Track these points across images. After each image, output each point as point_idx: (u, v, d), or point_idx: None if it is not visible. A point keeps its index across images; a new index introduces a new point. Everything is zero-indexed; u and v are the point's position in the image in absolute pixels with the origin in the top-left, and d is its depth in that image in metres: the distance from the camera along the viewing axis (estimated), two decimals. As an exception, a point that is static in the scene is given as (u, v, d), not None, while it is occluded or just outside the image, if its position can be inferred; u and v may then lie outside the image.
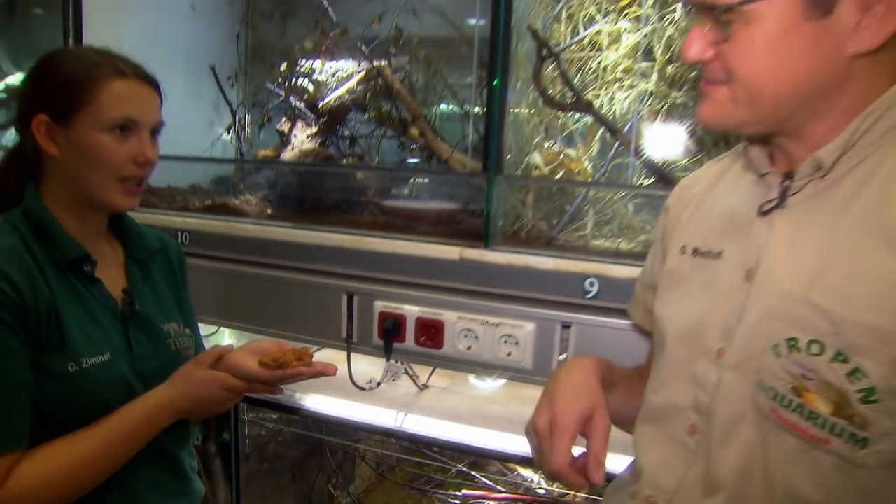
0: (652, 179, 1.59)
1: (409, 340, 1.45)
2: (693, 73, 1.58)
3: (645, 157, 1.54)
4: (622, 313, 1.28)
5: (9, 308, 0.92)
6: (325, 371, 1.08)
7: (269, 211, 1.79)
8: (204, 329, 1.84)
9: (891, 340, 0.62)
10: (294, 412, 1.81)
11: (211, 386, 1.05)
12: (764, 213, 0.77)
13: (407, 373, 1.73)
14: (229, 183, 2.16)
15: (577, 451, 0.88)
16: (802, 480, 0.68)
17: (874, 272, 0.65)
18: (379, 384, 1.61)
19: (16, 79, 2.42)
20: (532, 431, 0.90)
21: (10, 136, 2.36)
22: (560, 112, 1.63)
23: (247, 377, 1.06)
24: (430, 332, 1.42)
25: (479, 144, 1.92)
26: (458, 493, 2.05)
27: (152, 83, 1.08)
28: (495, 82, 1.44)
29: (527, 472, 1.90)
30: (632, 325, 1.20)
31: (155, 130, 1.08)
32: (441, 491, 2.08)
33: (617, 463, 0.99)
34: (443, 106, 2.06)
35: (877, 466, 0.64)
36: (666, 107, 1.63)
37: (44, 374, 0.96)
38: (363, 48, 1.92)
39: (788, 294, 0.70)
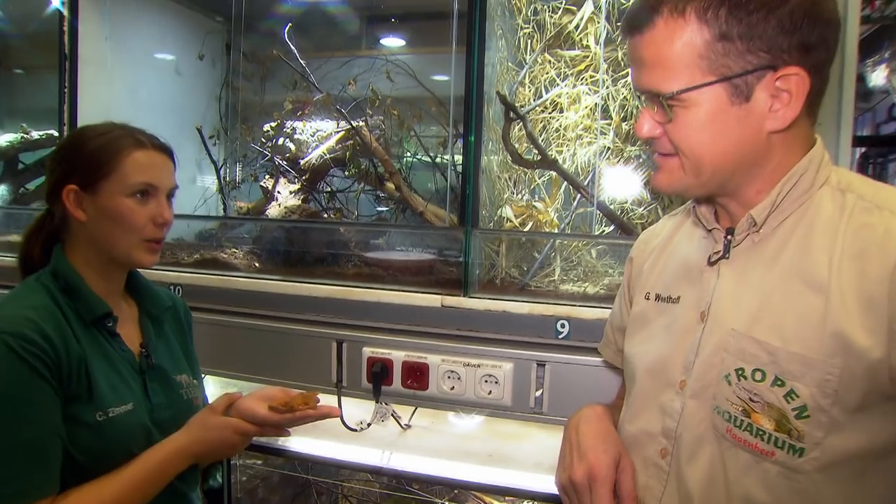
0: (612, 227, 1.75)
1: (397, 383, 1.56)
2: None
3: (605, 207, 1.70)
4: (592, 351, 1.42)
5: (44, 362, 1.01)
6: (331, 413, 1.19)
7: (256, 264, 1.90)
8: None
9: (814, 365, 0.77)
10: (283, 455, 1.89)
11: (225, 431, 1.15)
12: (712, 263, 0.92)
13: (392, 415, 1.83)
14: (213, 237, 2.26)
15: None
16: (755, 488, 0.82)
17: (799, 310, 0.80)
18: (369, 425, 1.71)
19: (2, 140, 2.49)
20: (569, 485, 0.97)
21: (-1, 194, 2.42)
22: (527, 169, 1.79)
23: (258, 422, 1.16)
24: (416, 374, 1.54)
25: (448, 195, 2.07)
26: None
27: (167, 152, 1.21)
28: (471, 143, 1.59)
29: (505, 505, 2.00)
30: (603, 362, 1.33)
31: (170, 194, 1.21)
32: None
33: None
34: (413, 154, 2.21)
35: (812, 471, 0.78)
36: (622, 160, 1.80)
37: (74, 423, 1.05)
38: (341, 109, 2.06)
39: (734, 331, 0.85)
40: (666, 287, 0.99)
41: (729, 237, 0.91)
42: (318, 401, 1.18)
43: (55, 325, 1.06)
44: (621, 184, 1.79)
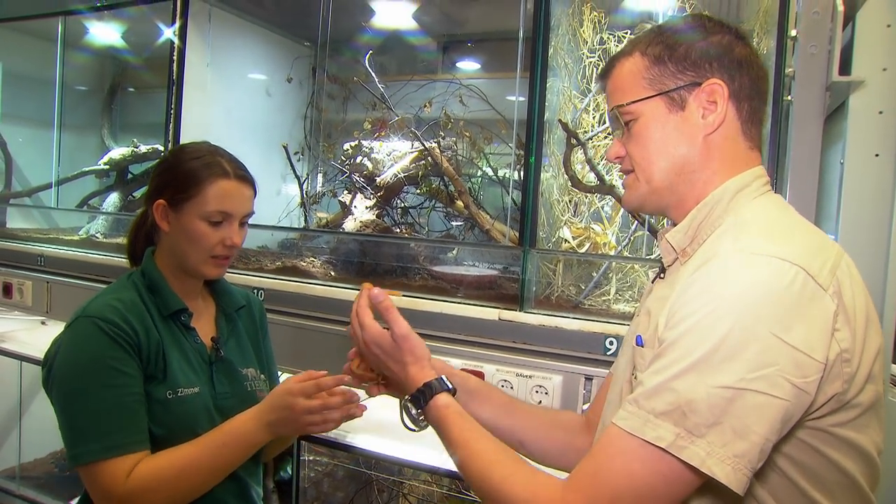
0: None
1: (454, 389, 1.67)
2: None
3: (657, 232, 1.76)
4: (638, 369, 1.49)
5: (128, 341, 1.20)
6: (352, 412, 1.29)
7: (332, 273, 2.06)
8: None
9: (646, 357, 0.89)
10: (348, 451, 2.03)
11: (286, 397, 1.22)
12: (653, 281, 1.06)
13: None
14: (294, 245, 2.45)
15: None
16: None
17: (658, 318, 0.89)
18: (428, 425, 1.82)
19: (116, 153, 2.77)
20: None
21: (111, 201, 2.70)
22: (586, 193, 1.87)
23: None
24: (472, 382, 1.64)
25: (516, 214, 2.18)
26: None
27: (248, 181, 1.35)
28: (531, 166, 1.69)
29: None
30: None
31: (245, 219, 1.35)
32: (479, 529, 2.25)
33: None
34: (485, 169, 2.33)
35: None
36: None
37: (150, 400, 1.22)
38: (415, 131, 2.20)
39: (637, 337, 0.97)
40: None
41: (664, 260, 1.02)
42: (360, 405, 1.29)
43: (137, 314, 1.25)
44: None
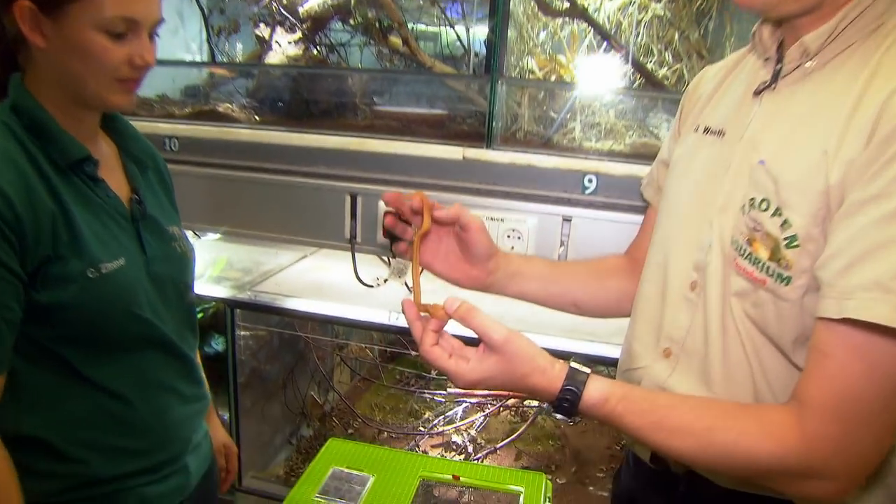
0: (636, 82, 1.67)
1: (415, 238, 1.50)
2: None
3: (634, 59, 1.61)
4: (618, 208, 1.38)
5: (9, 230, 0.86)
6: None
7: (256, 117, 1.78)
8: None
9: (807, 194, 0.75)
10: (287, 314, 1.85)
11: None
12: (758, 92, 0.87)
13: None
14: (200, 92, 2.10)
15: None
16: (750, 314, 0.82)
17: (814, 142, 0.76)
18: (386, 280, 1.66)
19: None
20: None
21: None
22: (551, 18, 1.67)
23: None
24: (436, 229, 1.48)
25: (459, 55, 1.95)
26: (443, 391, 2.16)
27: None
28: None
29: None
30: (643, 203, 1.26)
31: (154, 29, 0.98)
32: (427, 390, 2.19)
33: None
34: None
35: (797, 299, 0.78)
36: (647, 18, 1.70)
37: (64, 282, 0.92)
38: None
39: (756, 161, 0.82)
40: (715, 120, 0.94)
41: (779, 66, 0.84)
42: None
43: (17, 175, 0.89)
44: (646, 42, 1.70)
